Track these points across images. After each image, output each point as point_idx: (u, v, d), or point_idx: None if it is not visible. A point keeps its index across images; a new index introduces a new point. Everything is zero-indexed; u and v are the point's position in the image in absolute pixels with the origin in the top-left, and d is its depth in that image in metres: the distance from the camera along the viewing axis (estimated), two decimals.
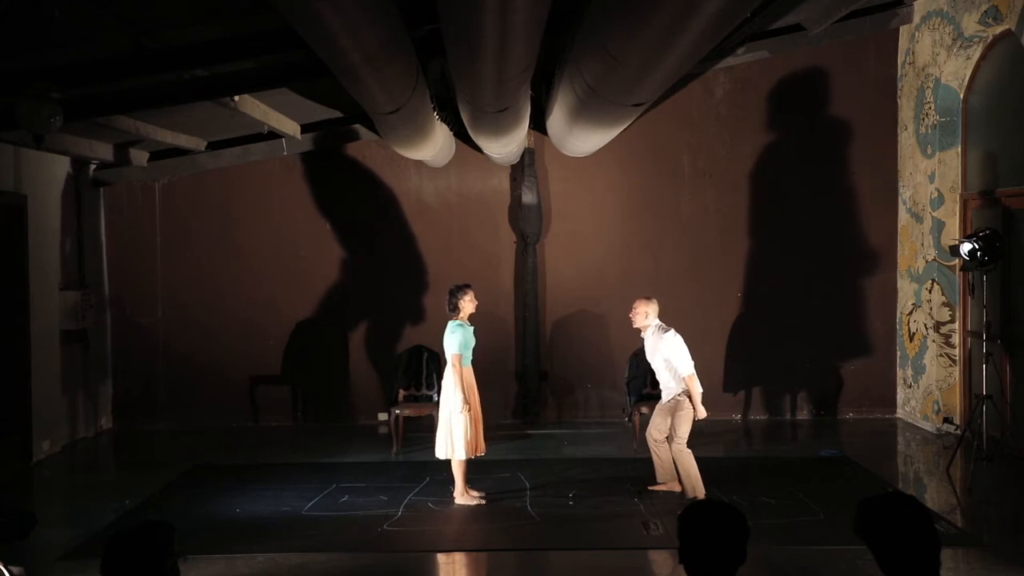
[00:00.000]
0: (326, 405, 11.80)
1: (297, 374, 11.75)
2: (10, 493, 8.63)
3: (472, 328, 8.20)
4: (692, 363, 8.08)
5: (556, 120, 8.97)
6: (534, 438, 10.87)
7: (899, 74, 11.47)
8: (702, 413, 8.09)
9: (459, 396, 7.98)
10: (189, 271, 11.69)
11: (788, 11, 10.23)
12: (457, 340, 8.04)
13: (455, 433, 8.01)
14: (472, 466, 8.23)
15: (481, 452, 8.22)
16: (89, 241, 11.21)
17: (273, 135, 10.87)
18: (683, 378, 8.05)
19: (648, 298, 8.37)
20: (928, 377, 10.85)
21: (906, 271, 11.41)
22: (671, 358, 8.05)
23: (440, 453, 8.16)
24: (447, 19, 5.21)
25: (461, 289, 8.21)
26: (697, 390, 8.05)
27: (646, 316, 8.26)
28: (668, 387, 8.19)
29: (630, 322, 8.43)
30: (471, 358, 8.17)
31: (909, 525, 3.01)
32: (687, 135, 11.69)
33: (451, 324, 8.13)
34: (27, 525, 6.18)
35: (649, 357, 8.32)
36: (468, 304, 8.19)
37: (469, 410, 8.00)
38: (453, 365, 8.04)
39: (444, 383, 8.17)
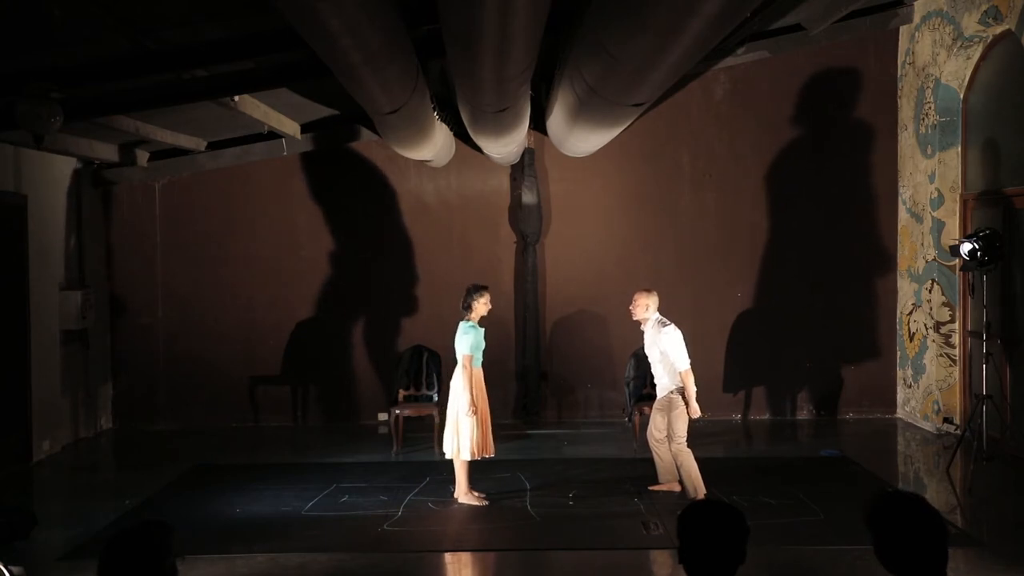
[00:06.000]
0: (326, 405, 11.80)
1: (297, 374, 11.75)
2: (10, 493, 8.64)
3: (483, 330, 8.19)
4: (688, 359, 8.07)
5: (556, 120, 8.97)
6: (534, 438, 10.86)
7: (899, 74, 11.47)
8: (696, 412, 8.07)
9: (467, 398, 7.98)
10: (189, 271, 11.69)
11: (788, 11, 10.23)
12: (469, 342, 8.03)
13: (462, 433, 8.00)
14: (473, 466, 8.22)
15: (489, 454, 8.19)
16: (89, 241, 11.21)
17: (273, 135, 10.87)
18: (679, 373, 8.04)
19: (648, 290, 8.36)
20: (928, 377, 10.85)
21: (906, 271, 11.41)
22: (668, 351, 8.04)
23: (446, 452, 8.17)
24: (447, 19, 5.21)
25: (479, 290, 8.18)
26: (692, 387, 8.05)
27: (646, 308, 8.25)
28: (662, 383, 8.19)
29: (630, 315, 8.42)
30: (481, 360, 8.17)
31: (924, 524, 3.00)
32: (687, 135, 11.69)
33: (463, 325, 8.11)
34: (27, 525, 6.18)
35: (647, 350, 8.32)
36: (482, 306, 8.16)
37: (476, 412, 7.99)
38: (464, 366, 8.02)
39: (453, 383, 8.14)
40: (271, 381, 11.73)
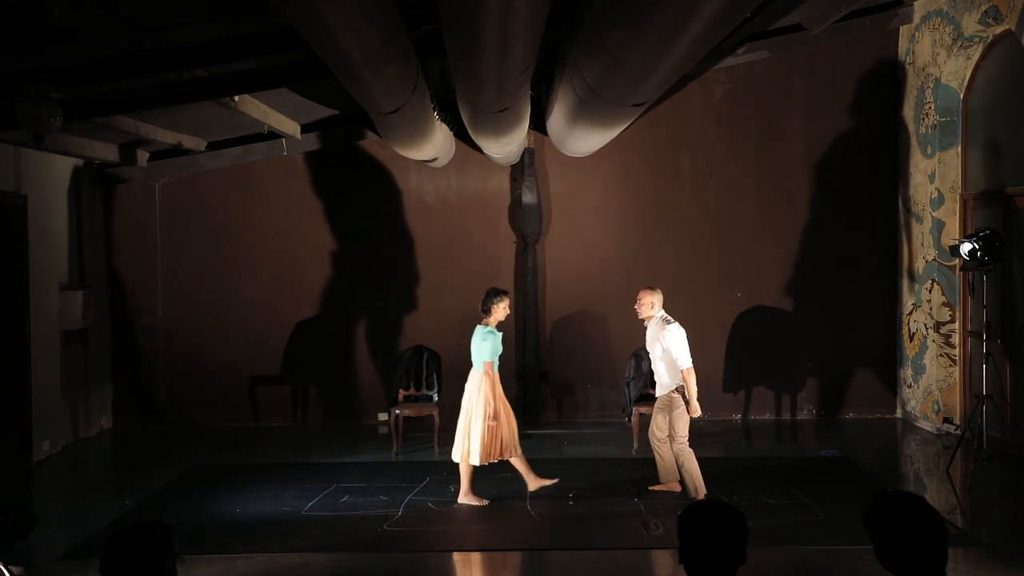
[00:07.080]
0: (326, 405, 11.79)
1: (297, 374, 11.74)
2: (10, 493, 8.63)
3: (501, 335, 8.14)
4: (691, 358, 8.06)
5: (556, 120, 8.97)
6: (534, 438, 10.85)
7: (899, 74, 11.47)
8: (696, 411, 8.06)
9: (488, 405, 7.89)
10: (189, 271, 11.68)
11: (788, 11, 10.23)
12: (489, 347, 7.97)
13: (473, 438, 7.96)
14: (475, 468, 8.18)
15: (501, 457, 8.02)
16: (89, 241, 11.21)
17: (273, 135, 10.87)
18: (681, 372, 8.03)
19: (652, 288, 8.34)
20: (928, 377, 10.85)
21: (906, 271, 11.41)
22: (671, 349, 8.03)
23: (455, 456, 8.13)
24: (447, 19, 5.21)
25: (499, 294, 8.13)
26: (693, 386, 8.04)
27: (652, 306, 8.23)
28: (662, 381, 8.18)
29: (634, 315, 8.40)
30: (498, 364, 8.12)
31: (924, 524, 3.00)
32: (687, 135, 11.69)
33: (482, 330, 8.06)
34: (27, 525, 6.18)
35: (649, 347, 8.31)
36: (501, 311, 8.11)
37: (495, 418, 7.91)
38: (486, 373, 7.97)
39: (468, 387, 8.07)
40: (271, 381, 11.72)
